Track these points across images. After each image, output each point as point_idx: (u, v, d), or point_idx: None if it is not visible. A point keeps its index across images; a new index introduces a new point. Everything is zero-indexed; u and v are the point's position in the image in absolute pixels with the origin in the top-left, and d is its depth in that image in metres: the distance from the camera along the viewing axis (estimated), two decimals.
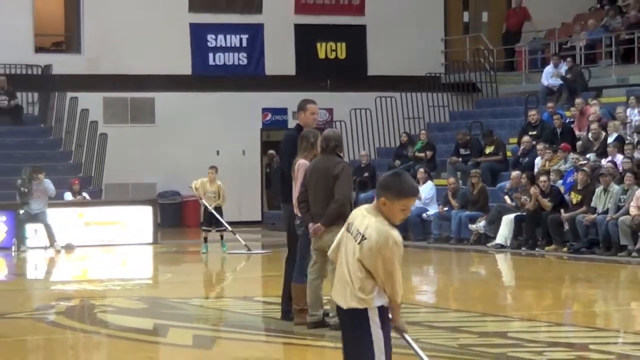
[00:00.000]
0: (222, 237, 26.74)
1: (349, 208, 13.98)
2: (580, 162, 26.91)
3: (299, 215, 14.22)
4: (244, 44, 35.97)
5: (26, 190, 27.30)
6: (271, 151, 30.41)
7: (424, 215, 29.17)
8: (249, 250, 26.42)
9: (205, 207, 26.62)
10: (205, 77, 35.51)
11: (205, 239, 26.60)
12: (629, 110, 28.18)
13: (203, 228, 26.90)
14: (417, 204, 29.16)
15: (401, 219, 7.05)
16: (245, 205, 35.34)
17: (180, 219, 33.39)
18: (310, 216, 13.82)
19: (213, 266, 25.58)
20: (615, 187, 25.02)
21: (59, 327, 16.02)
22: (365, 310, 7.18)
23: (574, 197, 25.89)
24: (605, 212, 24.73)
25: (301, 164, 14.21)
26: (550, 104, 30.80)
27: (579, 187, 25.91)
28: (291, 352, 13.87)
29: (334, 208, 13.59)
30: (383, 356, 7.31)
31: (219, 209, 26.64)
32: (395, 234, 7.08)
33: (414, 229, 29.18)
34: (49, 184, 27.46)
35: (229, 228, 26.74)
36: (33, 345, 14.72)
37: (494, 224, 27.02)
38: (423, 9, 37.18)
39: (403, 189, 6.97)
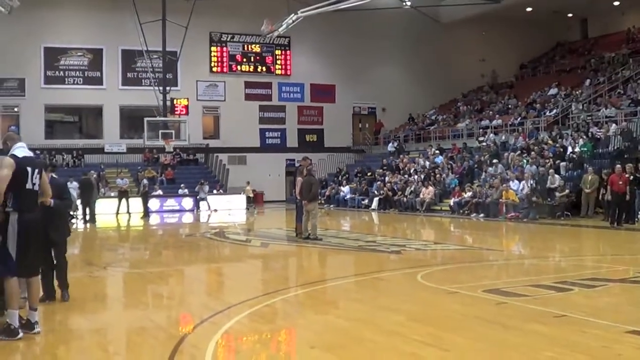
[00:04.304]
0: (254, 208, 26.74)
1: (317, 196, 14.67)
2: (401, 179, 26.81)
3: (298, 198, 14.15)
4: (279, 135, 35.33)
5: (200, 189, 27.10)
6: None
7: (345, 198, 28.60)
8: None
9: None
10: (264, 147, 34.71)
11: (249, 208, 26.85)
12: (420, 160, 28.27)
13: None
14: (342, 193, 29.00)
15: None
16: (279, 194, 34.44)
17: (255, 200, 32.73)
18: (303, 198, 13.78)
19: (268, 217, 25.11)
20: (414, 187, 24.99)
21: (211, 239, 15.27)
22: None
23: (399, 192, 25.68)
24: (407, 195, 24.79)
25: (299, 179, 14.21)
26: (384, 160, 30.37)
27: (399, 188, 25.80)
28: (297, 248, 13.44)
29: (311, 196, 13.70)
30: None
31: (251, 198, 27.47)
32: None
33: (341, 203, 28.57)
34: (206, 188, 27.33)
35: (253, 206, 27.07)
36: (202, 245, 14.30)
37: (371, 201, 26.65)
38: (344, 122, 36.53)
39: None
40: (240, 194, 29.60)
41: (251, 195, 28.13)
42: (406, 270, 9.53)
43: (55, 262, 7.30)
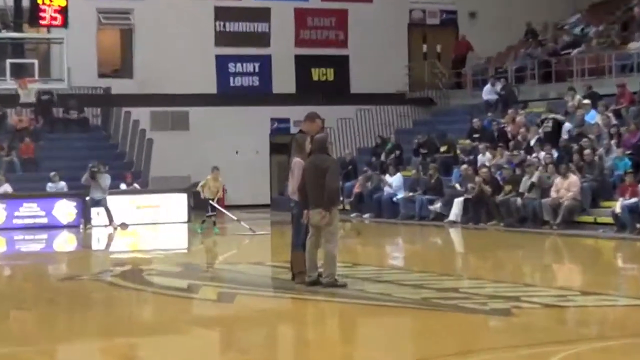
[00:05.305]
0: (215, 223, 25.75)
1: (338, 196, 14.49)
2: (510, 159, 26.99)
3: (294, 199, 14.14)
4: (257, 69, 36.04)
5: (90, 182, 27.24)
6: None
7: (394, 199, 28.78)
8: (253, 232, 25.06)
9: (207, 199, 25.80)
10: (227, 95, 35.42)
11: (204, 221, 25.76)
12: (550, 120, 27.97)
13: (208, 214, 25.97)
14: (388, 190, 29.18)
15: None
16: (257, 193, 35.32)
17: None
18: (307, 202, 13.70)
19: (233, 240, 25.12)
20: (537, 175, 24.95)
21: (115, 286, 15.90)
22: None
23: (506, 186, 25.75)
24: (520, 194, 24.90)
25: (296, 162, 14.10)
26: (476, 121, 30.82)
27: (507, 179, 25.98)
28: (294, 304, 13.71)
29: (327, 200, 13.59)
30: None
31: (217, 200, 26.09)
32: None
33: (387, 209, 28.87)
34: (106, 179, 27.49)
35: (233, 217, 26.21)
36: (96, 300, 14.55)
37: (448, 205, 26.84)
38: (391, 42, 37.07)
39: None
40: (177, 192, 29.66)
41: (216, 196, 26.96)
42: (523, 350, 9.73)
43: None
